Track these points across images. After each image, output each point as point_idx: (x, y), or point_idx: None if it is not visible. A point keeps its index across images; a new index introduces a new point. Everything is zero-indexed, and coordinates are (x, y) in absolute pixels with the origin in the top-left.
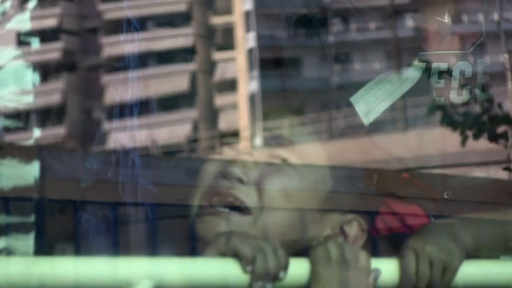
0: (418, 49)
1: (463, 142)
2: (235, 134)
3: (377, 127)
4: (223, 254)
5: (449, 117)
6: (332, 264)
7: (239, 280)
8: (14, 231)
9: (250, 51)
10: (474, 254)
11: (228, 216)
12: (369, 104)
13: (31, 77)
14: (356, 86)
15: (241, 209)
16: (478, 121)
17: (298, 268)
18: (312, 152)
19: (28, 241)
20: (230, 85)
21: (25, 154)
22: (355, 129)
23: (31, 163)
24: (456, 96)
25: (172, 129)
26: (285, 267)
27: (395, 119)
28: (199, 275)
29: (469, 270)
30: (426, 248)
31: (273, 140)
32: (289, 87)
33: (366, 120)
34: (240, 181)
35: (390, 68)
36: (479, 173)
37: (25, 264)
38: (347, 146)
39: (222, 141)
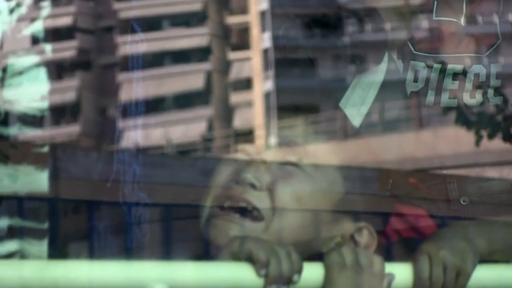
0: (433, 50)
1: (478, 141)
2: (250, 132)
3: (391, 126)
4: (237, 257)
5: (464, 117)
6: (346, 270)
7: (253, 284)
8: (29, 233)
9: (265, 51)
10: (488, 257)
11: (240, 221)
12: (355, 106)
13: (46, 81)
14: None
15: (254, 214)
16: (492, 121)
17: (312, 273)
18: (325, 151)
19: (42, 242)
20: (246, 84)
21: (40, 154)
22: (370, 128)
23: (45, 163)
24: (470, 96)
25: (187, 127)
26: (299, 271)
27: (409, 117)
28: (213, 279)
29: (483, 274)
30: (440, 253)
31: (287, 139)
32: (304, 87)
33: (356, 122)
34: (253, 186)
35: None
36: (493, 173)
37: (39, 267)
38: (361, 145)
39: (236, 140)
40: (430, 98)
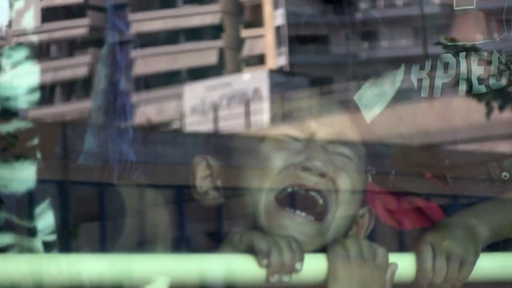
0: (445, 26)
1: (488, 113)
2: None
3: (403, 95)
4: (238, 249)
5: (475, 89)
6: (350, 262)
7: (256, 274)
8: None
9: (278, 28)
10: (492, 241)
11: (302, 220)
12: (370, 101)
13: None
14: (383, 63)
15: (318, 210)
16: (503, 93)
17: (316, 265)
18: (342, 123)
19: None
20: (258, 60)
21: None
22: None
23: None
24: (481, 70)
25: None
26: (301, 259)
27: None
28: (215, 271)
29: (485, 263)
30: (444, 243)
31: (301, 112)
32: (317, 62)
33: (368, 117)
34: (322, 175)
35: (417, 45)
36: (505, 147)
37: (42, 261)
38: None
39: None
40: (462, 87)
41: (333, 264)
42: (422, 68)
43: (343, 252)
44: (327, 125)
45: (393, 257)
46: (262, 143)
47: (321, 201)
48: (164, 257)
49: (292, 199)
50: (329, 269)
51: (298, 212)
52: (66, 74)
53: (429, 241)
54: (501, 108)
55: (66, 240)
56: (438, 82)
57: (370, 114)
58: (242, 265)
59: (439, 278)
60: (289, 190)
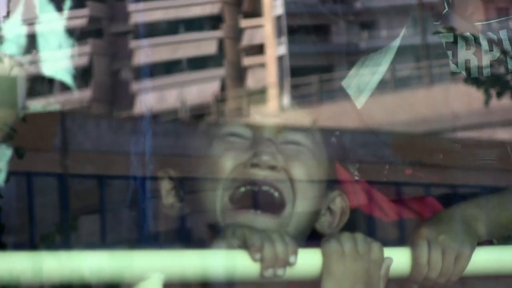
0: (444, 14)
1: (487, 100)
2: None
3: (402, 83)
4: (230, 245)
5: (473, 77)
6: (345, 257)
7: (250, 269)
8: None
9: (277, 18)
10: (487, 237)
11: (260, 217)
12: (359, 86)
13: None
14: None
15: (276, 203)
16: (501, 80)
17: (310, 260)
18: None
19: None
20: (258, 50)
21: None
22: (383, 87)
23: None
24: (480, 58)
25: (201, 87)
26: (295, 252)
27: (420, 76)
28: (209, 266)
29: (481, 257)
30: (439, 237)
31: (302, 98)
32: (317, 51)
33: (358, 103)
34: (273, 168)
35: (416, 34)
36: (504, 134)
37: (37, 259)
38: (373, 103)
39: (249, 101)
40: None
41: (328, 258)
42: (420, 57)
43: (338, 246)
44: (274, 116)
45: (388, 251)
46: (210, 146)
47: (276, 194)
48: (157, 253)
49: (246, 198)
50: (323, 264)
51: (252, 211)
52: (66, 64)
53: (424, 235)
54: (499, 95)
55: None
56: (436, 71)
57: (359, 100)
58: (237, 261)
59: (434, 272)
60: (242, 189)
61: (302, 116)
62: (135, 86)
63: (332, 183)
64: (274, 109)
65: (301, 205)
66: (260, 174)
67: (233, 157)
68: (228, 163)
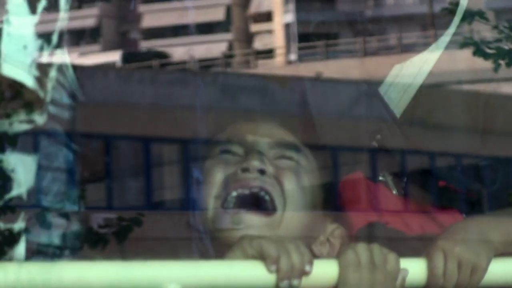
0: None
1: (496, 69)
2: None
3: (408, 48)
4: (247, 255)
5: (481, 50)
6: (361, 268)
7: (266, 281)
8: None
9: None
10: (504, 251)
11: (252, 219)
12: (397, 93)
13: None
14: (389, 20)
15: (267, 205)
16: (510, 53)
17: (326, 269)
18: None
19: None
20: (266, 17)
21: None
22: (388, 49)
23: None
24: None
25: (209, 47)
26: (310, 261)
27: (427, 43)
28: (225, 277)
29: (497, 269)
30: (455, 249)
31: (308, 57)
32: (324, 19)
33: (397, 110)
34: (262, 172)
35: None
36: (508, 88)
37: (53, 270)
38: (380, 62)
39: (257, 58)
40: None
41: (344, 269)
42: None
43: (354, 257)
44: (267, 136)
45: (404, 262)
46: (206, 161)
47: (267, 197)
48: (173, 263)
49: (237, 201)
50: (339, 274)
51: (244, 210)
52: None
53: (440, 246)
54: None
55: None
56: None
57: (400, 104)
58: (253, 272)
59: (450, 284)
60: (234, 193)
61: (290, 136)
62: (143, 44)
63: (331, 210)
64: (265, 129)
65: (292, 215)
66: (250, 177)
67: (225, 170)
68: (219, 175)
